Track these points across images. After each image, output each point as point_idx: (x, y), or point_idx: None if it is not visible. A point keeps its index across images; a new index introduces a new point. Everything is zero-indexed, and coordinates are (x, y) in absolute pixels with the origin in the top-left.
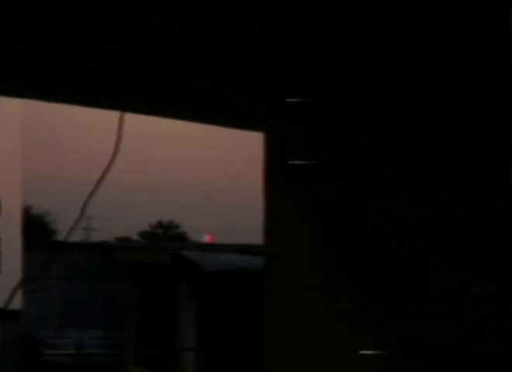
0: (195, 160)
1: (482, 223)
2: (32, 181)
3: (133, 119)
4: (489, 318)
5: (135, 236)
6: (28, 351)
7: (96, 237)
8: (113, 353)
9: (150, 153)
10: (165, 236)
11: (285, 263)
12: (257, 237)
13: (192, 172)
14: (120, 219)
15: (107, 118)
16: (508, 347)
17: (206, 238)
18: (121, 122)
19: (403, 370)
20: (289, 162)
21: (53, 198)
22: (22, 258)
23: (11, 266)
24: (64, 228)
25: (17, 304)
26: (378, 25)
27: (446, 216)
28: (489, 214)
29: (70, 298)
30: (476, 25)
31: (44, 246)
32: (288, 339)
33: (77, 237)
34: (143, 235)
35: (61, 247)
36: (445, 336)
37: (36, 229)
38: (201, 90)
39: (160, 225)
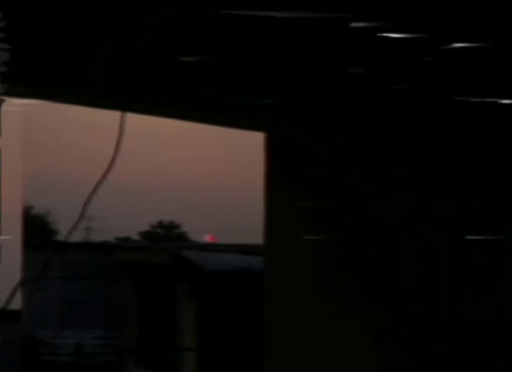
0: (195, 160)
1: (482, 223)
2: (32, 181)
3: (134, 119)
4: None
5: (135, 236)
6: (28, 351)
7: (96, 237)
8: (113, 352)
9: (151, 153)
10: (165, 236)
11: (285, 263)
12: (257, 237)
13: (192, 172)
14: (120, 219)
15: (107, 118)
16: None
17: (206, 238)
18: (121, 122)
19: (404, 369)
20: (289, 162)
21: (53, 198)
22: (22, 258)
23: (11, 266)
24: (64, 228)
25: (17, 304)
26: (378, 25)
27: (446, 216)
28: (490, 214)
29: (70, 298)
30: (478, 23)
31: (44, 246)
32: (288, 339)
33: (77, 237)
34: (143, 235)
35: (61, 247)
36: (446, 337)
37: (36, 229)
38: (201, 90)
39: (160, 225)
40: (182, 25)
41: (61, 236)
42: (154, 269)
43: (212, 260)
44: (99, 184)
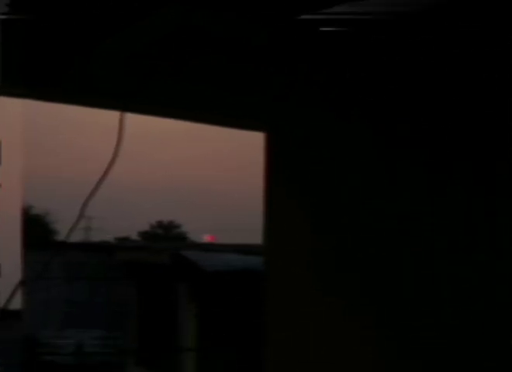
0: (195, 160)
1: (482, 222)
2: (32, 181)
3: (133, 119)
4: (487, 313)
5: (135, 236)
6: (28, 351)
7: (96, 237)
8: (113, 352)
9: (150, 153)
10: (165, 236)
11: (285, 263)
12: (257, 237)
13: (192, 172)
14: (120, 219)
15: (107, 118)
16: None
17: (206, 238)
18: (121, 122)
19: (404, 369)
20: (289, 162)
21: (53, 198)
22: (22, 258)
23: (11, 266)
24: (64, 228)
25: (17, 304)
26: (378, 25)
27: (446, 215)
28: (490, 213)
29: (70, 298)
30: (475, 23)
31: (44, 246)
32: (288, 339)
33: (77, 237)
34: (143, 235)
35: (61, 247)
36: (446, 336)
37: (36, 229)
38: (201, 90)
39: (160, 225)
40: (182, 25)
41: (61, 236)
42: (154, 269)
43: (212, 260)
44: (99, 184)
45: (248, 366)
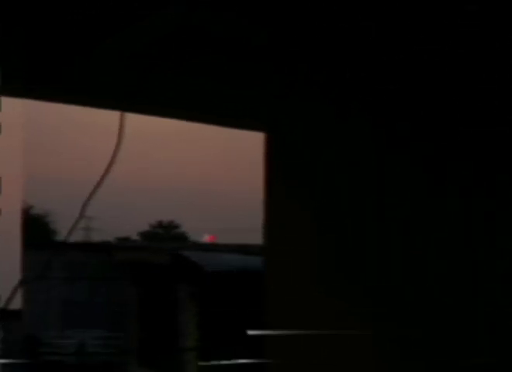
0: (195, 160)
1: (483, 222)
2: (32, 181)
3: (134, 119)
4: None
5: (135, 236)
6: (28, 351)
7: (96, 237)
8: (113, 352)
9: (150, 153)
10: (165, 236)
11: (285, 263)
12: (257, 237)
13: (192, 172)
14: (120, 219)
15: (107, 118)
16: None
17: (206, 238)
18: (121, 122)
19: (403, 370)
20: (289, 162)
21: (53, 198)
22: (22, 258)
23: (11, 266)
24: (64, 228)
25: (17, 304)
26: (377, 23)
27: (447, 215)
28: (490, 213)
29: (70, 298)
30: (475, 19)
31: (44, 246)
32: (288, 339)
33: (77, 237)
34: (143, 235)
35: (61, 247)
36: (448, 337)
37: (36, 229)
38: (201, 90)
39: (160, 225)
40: (182, 25)
41: (61, 236)
42: (154, 269)
43: (212, 260)
44: (99, 184)
45: (249, 366)
